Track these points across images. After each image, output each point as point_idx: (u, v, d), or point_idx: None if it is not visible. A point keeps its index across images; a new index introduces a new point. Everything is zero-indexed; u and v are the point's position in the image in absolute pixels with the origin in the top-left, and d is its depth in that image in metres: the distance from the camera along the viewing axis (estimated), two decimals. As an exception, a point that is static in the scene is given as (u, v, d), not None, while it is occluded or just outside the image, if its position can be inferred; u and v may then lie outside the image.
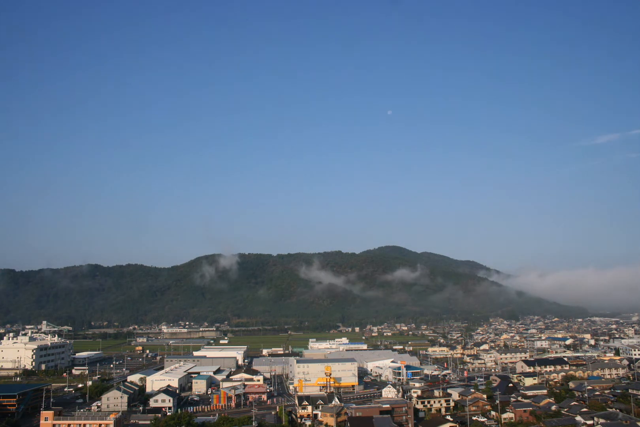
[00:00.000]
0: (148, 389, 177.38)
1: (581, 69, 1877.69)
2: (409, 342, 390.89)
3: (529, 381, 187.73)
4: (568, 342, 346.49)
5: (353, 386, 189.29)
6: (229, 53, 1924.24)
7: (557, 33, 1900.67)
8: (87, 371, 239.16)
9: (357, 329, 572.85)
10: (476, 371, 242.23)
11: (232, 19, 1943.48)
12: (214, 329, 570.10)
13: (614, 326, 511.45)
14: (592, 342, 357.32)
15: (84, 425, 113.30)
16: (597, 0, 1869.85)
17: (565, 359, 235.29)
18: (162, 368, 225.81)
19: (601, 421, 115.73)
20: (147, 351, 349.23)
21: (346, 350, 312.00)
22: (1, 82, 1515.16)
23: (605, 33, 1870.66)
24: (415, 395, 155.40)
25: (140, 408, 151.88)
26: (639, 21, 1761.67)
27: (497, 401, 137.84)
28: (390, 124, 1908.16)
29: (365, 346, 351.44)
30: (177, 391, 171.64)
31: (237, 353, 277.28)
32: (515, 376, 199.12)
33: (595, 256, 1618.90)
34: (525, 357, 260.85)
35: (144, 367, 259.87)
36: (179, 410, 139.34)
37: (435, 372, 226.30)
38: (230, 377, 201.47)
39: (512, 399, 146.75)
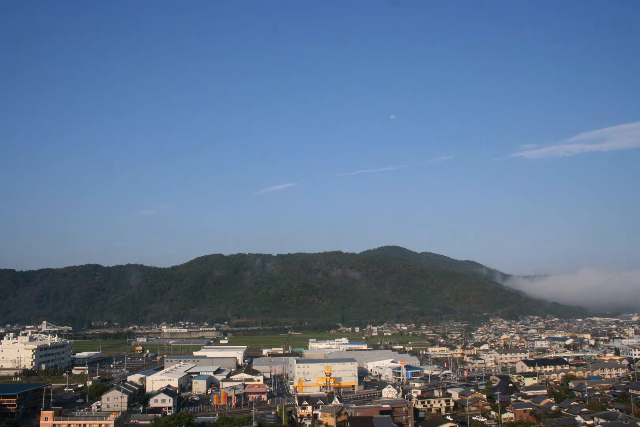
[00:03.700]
0: (148, 389, 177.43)
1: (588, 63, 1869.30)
2: (409, 342, 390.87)
3: (529, 381, 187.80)
4: (568, 342, 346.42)
5: (353, 386, 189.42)
6: (231, 52, 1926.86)
7: (558, 30, 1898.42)
8: (87, 371, 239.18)
9: (357, 329, 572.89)
10: (476, 371, 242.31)
11: (233, 18, 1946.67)
12: (214, 329, 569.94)
13: (614, 326, 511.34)
14: (592, 342, 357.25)
15: (84, 425, 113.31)
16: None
17: (565, 359, 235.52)
18: (162, 368, 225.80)
19: (601, 421, 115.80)
20: (147, 351, 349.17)
21: (346, 350, 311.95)
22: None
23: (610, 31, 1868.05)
24: (415, 395, 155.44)
25: (140, 408, 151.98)
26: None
27: (497, 401, 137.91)
28: (391, 124, 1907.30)
29: (365, 346, 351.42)
30: (177, 391, 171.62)
31: (237, 353, 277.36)
32: (515, 376, 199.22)
33: (596, 257, 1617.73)
34: (525, 357, 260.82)
35: (144, 367, 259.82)
36: (179, 410, 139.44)
37: (435, 372, 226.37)
38: (230, 377, 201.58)
39: (512, 399, 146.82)
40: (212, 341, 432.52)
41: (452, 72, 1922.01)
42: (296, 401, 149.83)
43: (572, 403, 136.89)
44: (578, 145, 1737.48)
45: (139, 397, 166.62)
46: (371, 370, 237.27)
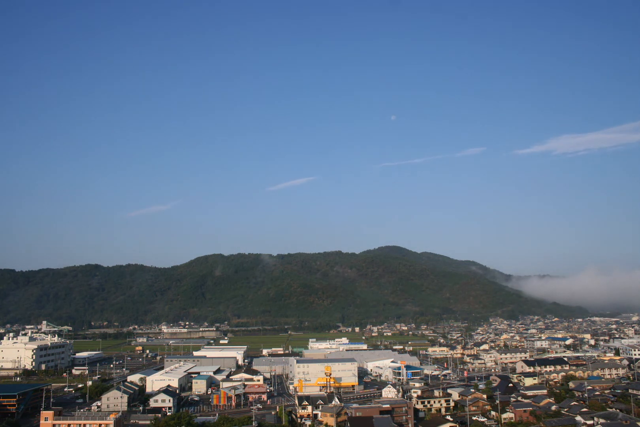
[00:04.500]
0: (148, 389, 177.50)
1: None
2: (409, 342, 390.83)
3: (529, 381, 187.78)
4: (568, 342, 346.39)
5: (353, 386, 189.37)
6: (233, 51, 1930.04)
7: (559, 29, 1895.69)
8: (87, 371, 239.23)
9: (357, 329, 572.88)
10: (476, 371, 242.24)
11: (234, 17, 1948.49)
12: (214, 329, 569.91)
13: (614, 326, 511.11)
14: (592, 342, 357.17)
15: (84, 425, 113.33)
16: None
17: (565, 359, 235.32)
18: (162, 368, 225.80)
19: (601, 421, 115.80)
20: (147, 351, 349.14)
21: (346, 350, 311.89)
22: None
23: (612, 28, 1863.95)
24: (415, 395, 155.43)
25: (140, 408, 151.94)
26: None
27: (497, 401, 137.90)
28: (391, 124, 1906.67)
29: (365, 346, 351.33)
30: (177, 391, 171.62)
31: (237, 353, 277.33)
32: (515, 376, 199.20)
33: (598, 257, 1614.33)
34: (525, 357, 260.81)
35: (144, 367, 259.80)
36: (179, 410, 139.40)
37: (435, 372, 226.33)
38: (230, 377, 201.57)
39: (512, 399, 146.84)
40: (212, 341, 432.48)
41: (477, 67, 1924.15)
42: (296, 401, 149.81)
43: (572, 403, 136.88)
44: (612, 135, 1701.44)
45: (139, 397, 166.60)
46: (371, 370, 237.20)
